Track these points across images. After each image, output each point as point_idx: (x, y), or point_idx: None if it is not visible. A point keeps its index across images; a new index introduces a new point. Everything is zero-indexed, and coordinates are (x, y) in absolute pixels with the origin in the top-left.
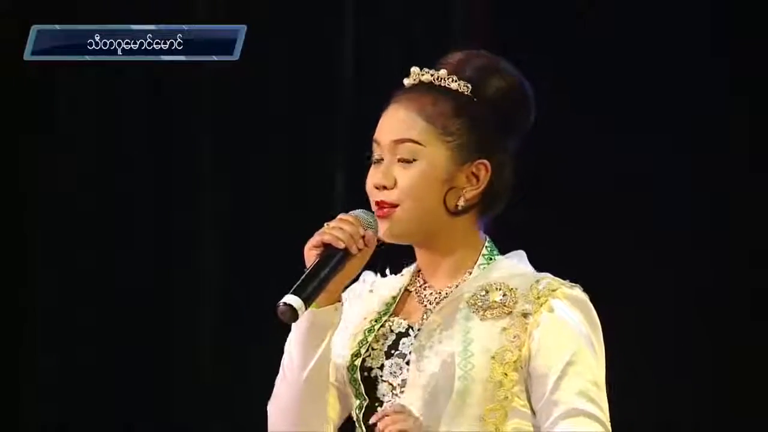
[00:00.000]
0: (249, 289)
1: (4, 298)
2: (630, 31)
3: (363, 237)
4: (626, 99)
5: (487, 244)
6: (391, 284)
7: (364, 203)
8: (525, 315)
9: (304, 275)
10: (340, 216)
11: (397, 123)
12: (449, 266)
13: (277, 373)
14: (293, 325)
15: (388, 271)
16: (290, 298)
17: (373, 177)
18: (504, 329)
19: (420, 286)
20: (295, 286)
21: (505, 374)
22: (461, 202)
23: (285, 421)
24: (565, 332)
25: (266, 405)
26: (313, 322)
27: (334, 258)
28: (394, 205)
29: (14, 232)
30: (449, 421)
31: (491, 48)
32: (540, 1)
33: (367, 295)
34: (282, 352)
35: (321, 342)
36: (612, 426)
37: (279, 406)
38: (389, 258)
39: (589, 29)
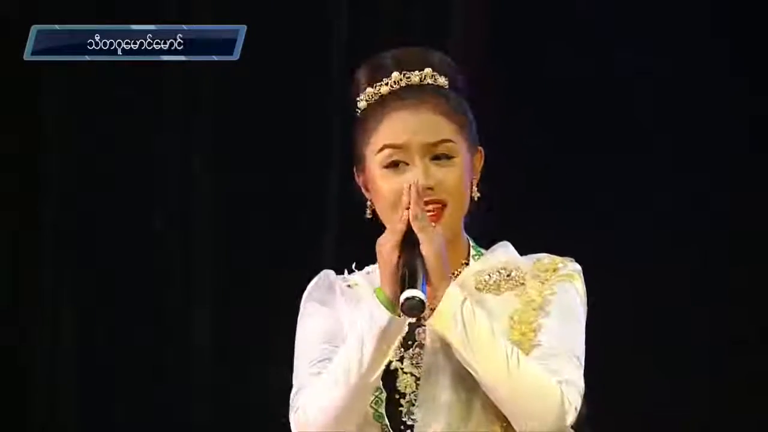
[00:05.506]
0: (248, 289)
1: (3, 298)
2: (630, 25)
3: None
4: (627, 97)
5: (467, 235)
6: (372, 280)
7: (363, 203)
8: (542, 282)
9: (407, 273)
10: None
11: (426, 124)
12: (450, 259)
13: (276, 376)
14: (372, 329)
15: (354, 267)
16: (415, 292)
17: (424, 178)
18: (518, 295)
19: None
20: (406, 282)
21: (523, 334)
22: (476, 193)
23: (338, 424)
24: (571, 303)
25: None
26: (395, 327)
27: (417, 258)
28: (444, 206)
29: (13, 232)
30: (471, 387)
31: (491, 47)
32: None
33: (348, 290)
34: (281, 354)
35: (391, 346)
36: (608, 420)
37: (333, 409)
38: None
39: (587, 25)
